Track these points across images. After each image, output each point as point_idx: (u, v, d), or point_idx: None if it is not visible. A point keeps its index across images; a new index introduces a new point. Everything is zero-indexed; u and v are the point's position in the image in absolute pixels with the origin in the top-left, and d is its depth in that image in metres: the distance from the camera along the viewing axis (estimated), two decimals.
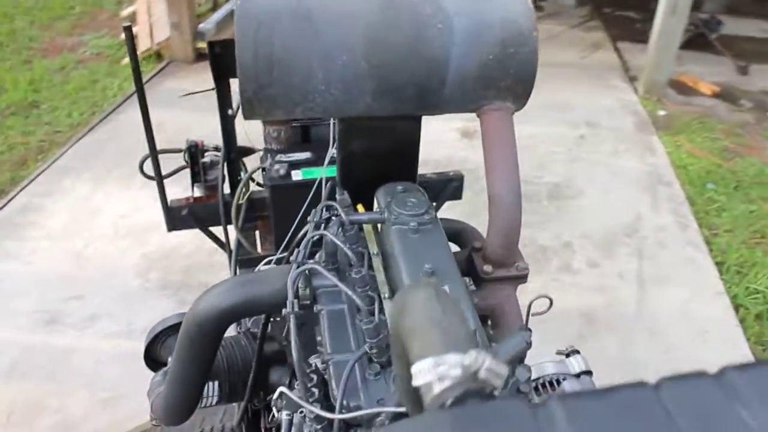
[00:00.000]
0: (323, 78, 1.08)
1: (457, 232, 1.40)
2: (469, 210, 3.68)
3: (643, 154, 4.34)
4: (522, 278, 1.22)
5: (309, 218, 1.23)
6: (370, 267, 1.20)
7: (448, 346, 0.51)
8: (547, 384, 0.98)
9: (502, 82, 1.15)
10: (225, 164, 2.05)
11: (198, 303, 1.22)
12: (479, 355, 0.49)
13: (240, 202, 2.03)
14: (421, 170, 3.77)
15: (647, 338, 2.97)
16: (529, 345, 0.87)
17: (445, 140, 4.39)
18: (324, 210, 1.24)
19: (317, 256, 1.25)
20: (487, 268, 1.21)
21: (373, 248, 1.23)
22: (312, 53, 1.06)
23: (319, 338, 1.15)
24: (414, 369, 0.50)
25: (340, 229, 1.22)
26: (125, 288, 3.13)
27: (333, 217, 1.26)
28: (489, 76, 1.14)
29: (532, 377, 1.00)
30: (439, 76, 1.12)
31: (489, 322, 1.24)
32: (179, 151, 2.14)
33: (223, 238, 2.15)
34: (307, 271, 1.16)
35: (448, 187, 2.31)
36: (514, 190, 1.16)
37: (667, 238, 3.57)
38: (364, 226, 1.28)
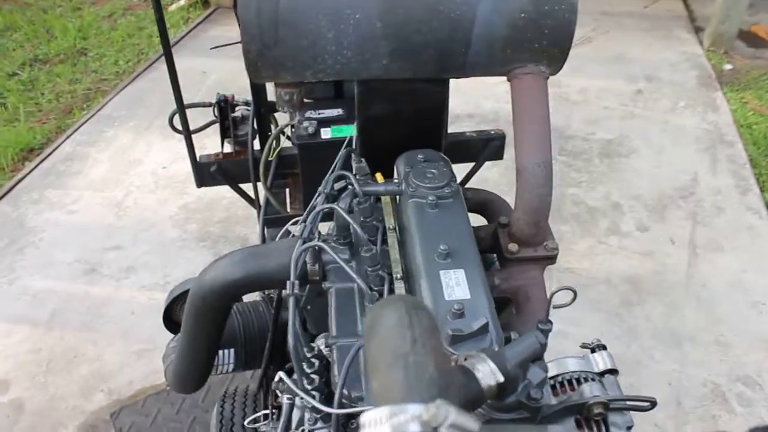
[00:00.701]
0: (334, 38, 0.98)
1: (484, 204, 1.30)
2: (513, 166, 3.56)
3: (705, 111, 4.09)
4: (551, 259, 1.12)
5: (320, 188, 1.15)
6: (386, 242, 1.13)
7: (410, 392, 0.43)
8: (566, 383, 0.89)
9: (535, 44, 1.03)
10: (255, 119, 1.98)
11: (203, 275, 1.17)
12: (442, 407, 0.41)
13: (270, 158, 1.97)
14: (465, 124, 3.69)
15: (695, 308, 2.82)
16: (543, 346, 0.78)
17: (493, 93, 4.21)
18: (336, 180, 1.16)
19: (330, 227, 1.18)
20: (513, 246, 1.11)
21: (390, 222, 1.15)
22: (321, 11, 0.96)
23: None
24: (365, 417, 0.42)
25: (353, 201, 1.14)
26: (163, 239, 3.14)
27: (348, 187, 1.18)
28: (520, 37, 1.02)
29: (554, 373, 0.92)
30: (463, 36, 1.00)
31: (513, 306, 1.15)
32: (209, 105, 2.07)
33: (253, 196, 2.10)
34: (316, 247, 1.09)
35: (489, 146, 2.19)
36: (545, 163, 1.05)
37: (725, 203, 3.37)
38: (382, 197, 1.20)
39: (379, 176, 1.22)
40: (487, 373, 0.72)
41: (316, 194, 1.16)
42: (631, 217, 3.29)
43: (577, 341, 2.77)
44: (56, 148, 3.76)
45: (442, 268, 0.97)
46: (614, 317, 2.80)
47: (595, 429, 0.84)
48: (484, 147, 2.20)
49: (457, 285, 0.95)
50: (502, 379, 0.72)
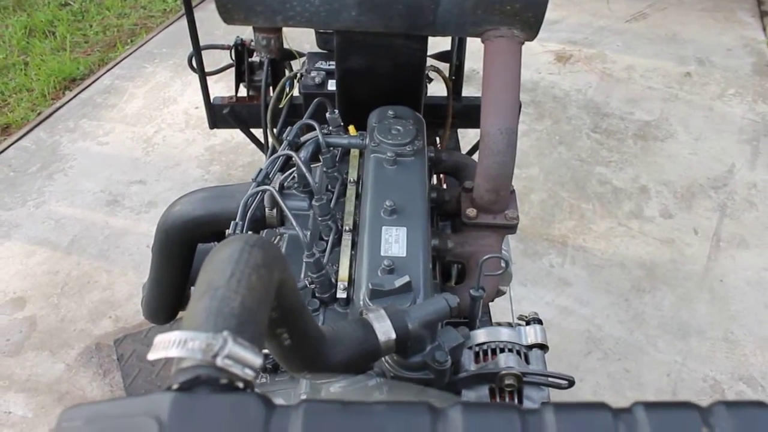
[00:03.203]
0: None
1: (457, 167, 1.28)
2: (546, 138, 3.49)
3: (755, 101, 3.91)
4: (509, 228, 1.10)
5: (284, 135, 1.15)
6: (345, 194, 1.13)
7: (204, 322, 0.44)
8: (489, 351, 0.89)
9: (507, 5, 1.00)
10: (269, 66, 1.99)
11: (169, 209, 1.20)
12: (221, 338, 0.42)
13: (280, 106, 1.98)
14: None
15: (709, 302, 2.75)
16: (451, 309, 0.78)
17: (536, 62, 4.11)
18: (302, 128, 1.16)
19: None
20: (471, 212, 1.10)
21: (353, 175, 1.15)
22: None
23: None
24: (155, 340, 0.43)
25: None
26: (186, 178, 3.20)
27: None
28: None
29: (483, 340, 0.91)
30: None
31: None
32: (226, 47, 2.09)
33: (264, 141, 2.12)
34: (276, 192, 1.10)
35: None
36: (507, 130, 1.03)
37: (758, 198, 3.24)
38: (352, 150, 1.20)
39: (351, 129, 1.22)
40: (382, 329, 0.73)
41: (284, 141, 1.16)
42: (656, 203, 3.20)
43: (581, 320, 2.73)
44: (96, 80, 3.85)
45: (385, 224, 0.97)
46: (622, 301, 2.75)
47: (507, 399, 0.84)
48: None
49: (395, 242, 0.94)
50: (393, 336, 0.72)
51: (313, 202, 1.04)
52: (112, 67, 3.96)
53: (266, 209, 1.12)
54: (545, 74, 4.00)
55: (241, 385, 0.41)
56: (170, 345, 0.42)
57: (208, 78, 1.93)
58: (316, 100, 1.25)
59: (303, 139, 1.18)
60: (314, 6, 1.00)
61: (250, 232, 1.01)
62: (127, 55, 4.07)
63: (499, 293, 1.26)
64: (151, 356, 0.43)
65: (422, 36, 1.15)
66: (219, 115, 2.05)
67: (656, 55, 4.19)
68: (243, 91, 2.11)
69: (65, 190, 3.13)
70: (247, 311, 0.45)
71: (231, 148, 3.38)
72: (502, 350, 0.89)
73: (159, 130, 3.50)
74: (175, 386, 0.40)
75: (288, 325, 0.61)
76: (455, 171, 1.29)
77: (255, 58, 2.11)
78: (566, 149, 3.48)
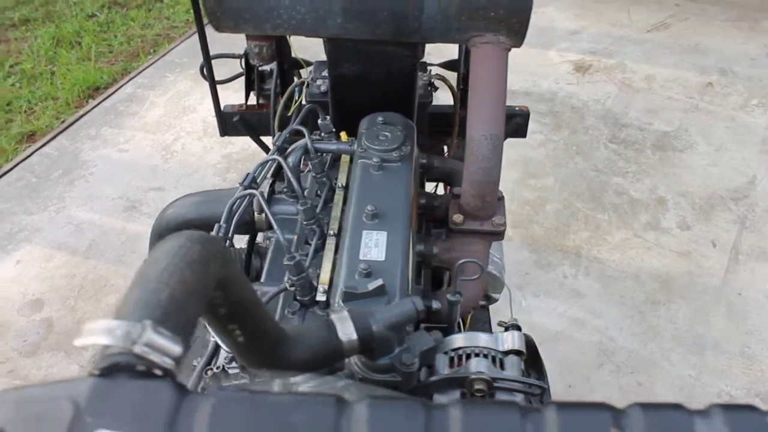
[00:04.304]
0: None
1: (449, 174, 1.29)
2: (562, 148, 3.46)
3: None
4: (495, 235, 1.10)
5: (273, 140, 1.17)
6: (332, 199, 1.14)
7: (129, 311, 0.45)
8: (464, 356, 0.89)
9: (491, 12, 1.01)
10: (278, 75, 2.02)
11: (163, 212, 1.22)
12: (139, 327, 0.43)
13: (289, 114, 2.00)
14: (520, 101, 3.63)
15: (725, 316, 2.70)
16: (419, 312, 0.78)
17: (554, 72, 4.10)
18: (292, 134, 1.18)
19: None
20: (458, 218, 1.11)
21: (342, 180, 1.17)
22: None
23: None
24: (84, 327, 0.44)
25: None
26: (203, 185, 3.24)
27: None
28: (474, 4, 1.00)
29: (460, 345, 0.91)
30: (416, 0, 0.99)
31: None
32: (236, 56, 2.12)
33: None
34: (264, 197, 1.12)
35: (511, 122, 2.15)
36: (493, 136, 1.04)
37: None
38: (343, 156, 1.21)
39: (343, 135, 1.23)
40: (344, 330, 0.74)
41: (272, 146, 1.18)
42: (674, 214, 3.16)
43: (593, 332, 2.70)
44: (118, 89, 3.93)
45: (366, 228, 0.98)
46: (636, 314, 2.71)
47: None
48: (506, 123, 2.16)
49: (375, 246, 0.95)
50: (355, 337, 0.72)
51: (298, 206, 1.05)
52: (134, 77, 4.04)
53: (255, 213, 1.13)
54: (563, 84, 3.98)
55: (159, 372, 0.42)
56: (95, 332, 0.43)
57: (222, 86, 1.96)
58: (307, 106, 1.27)
59: (295, 145, 1.20)
60: (300, 14, 1.02)
61: (218, 233, 1.02)
62: (150, 65, 4.15)
63: (491, 300, 1.26)
64: (78, 342, 0.44)
65: (412, 43, 1.16)
66: (229, 122, 2.08)
67: (677, 65, 4.14)
68: (253, 100, 2.15)
69: (85, 196, 3.20)
70: (174, 303, 0.46)
71: (247, 155, 3.42)
72: (477, 355, 0.89)
73: (178, 137, 3.56)
74: (95, 371, 0.41)
75: (239, 321, 0.62)
76: (448, 178, 1.29)
77: (265, 67, 2.14)
78: (583, 159, 3.45)
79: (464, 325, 1.34)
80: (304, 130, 1.15)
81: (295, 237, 1.10)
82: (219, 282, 0.56)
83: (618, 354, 2.57)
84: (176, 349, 0.43)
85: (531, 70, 4.07)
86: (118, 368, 0.41)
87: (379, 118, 1.17)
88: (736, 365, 2.54)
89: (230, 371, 0.99)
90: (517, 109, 2.15)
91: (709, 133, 3.65)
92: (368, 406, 0.38)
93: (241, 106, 2.12)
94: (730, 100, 3.90)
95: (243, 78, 2.13)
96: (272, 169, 1.13)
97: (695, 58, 4.24)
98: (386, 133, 1.12)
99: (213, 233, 1.02)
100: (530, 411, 0.38)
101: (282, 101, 1.97)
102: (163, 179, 3.28)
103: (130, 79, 4.01)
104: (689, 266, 2.92)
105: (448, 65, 2.06)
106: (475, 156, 1.05)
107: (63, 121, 3.69)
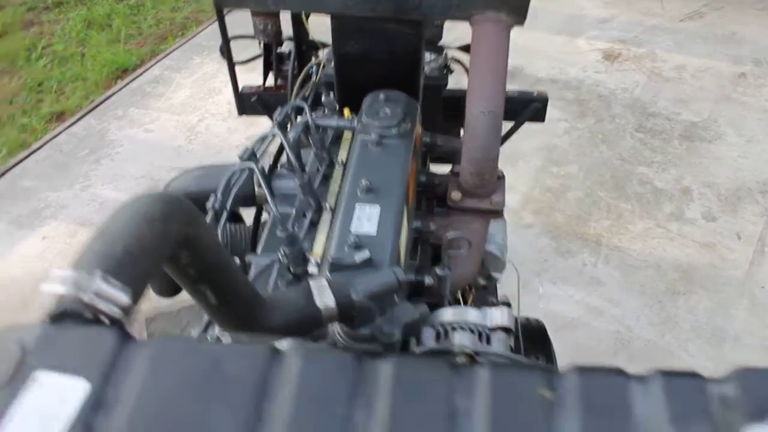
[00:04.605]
0: None
1: (454, 152, 1.28)
2: (587, 136, 3.41)
3: None
4: (493, 213, 1.09)
5: (274, 115, 1.18)
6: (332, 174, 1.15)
7: (84, 262, 0.46)
8: (450, 330, 0.89)
9: None
10: (296, 56, 2.03)
11: (167, 186, 1.24)
12: (88, 276, 0.44)
13: (306, 95, 2.01)
14: (546, 87, 3.61)
15: (748, 309, 2.65)
16: (401, 283, 0.79)
17: (582, 60, 4.03)
18: (293, 109, 1.18)
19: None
20: (456, 195, 1.10)
21: (342, 156, 1.17)
22: None
23: None
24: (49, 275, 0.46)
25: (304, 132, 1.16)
26: None
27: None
28: None
29: (449, 319, 0.91)
30: None
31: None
32: (253, 37, 2.13)
33: None
34: (264, 171, 1.12)
35: (529, 107, 2.13)
36: (491, 113, 1.03)
37: None
38: (345, 132, 1.22)
39: (346, 111, 1.23)
40: (323, 298, 0.74)
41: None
42: (699, 205, 3.10)
43: (611, 320, 2.65)
44: (146, 70, 3.98)
45: (360, 202, 0.98)
46: (655, 303, 2.67)
47: None
48: (524, 107, 2.14)
49: (368, 220, 0.95)
50: (333, 304, 0.73)
51: (295, 180, 1.05)
52: (162, 59, 4.09)
53: (256, 187, 1.14)
54: (591, 72, 3.91)
55: (106, 321, 0.43)
56: (52, 281, 0.45)
57: (247, 68, 1.98)
58: (310, 82, 1.27)
59: (281, 118, 1.20)
60: None
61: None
62: (177, 47, 4.20)
63: (492, 280, 1.25)
64: (42, 290, 0.46)
65: (416, 21, 1.15)
66: (247, 102, 2.10)
67: (710, 54, 4.05)
68: (272, 81, 2.16)
69: (110, 175, 3.25)
70: (128, 256, 0.47)
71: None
72: (463, 330, 0.88)
73: (203, 119, 3.60)
74: (45, 318, 0.42)
75: (210, 283, 0.62)
76: (451, 156, 1.28)
77: (284, 49, 2.15)
78: (608, 148, 3.40)
79: (465, 303, 1.34)
80: (306, 106, 1.16)
81: (294, 211, 1.10)
82: (183, 241, 0.57)
83: (634, 343, 2.54)
84: (124, 299, 0.44)
85: (558, 57, 4.01)
86: (67, 315, 0.42)
87: (381, 96, 1.17)
88: (756, 358, 2.49)
89: (224, 340, 1.00)
90: (535, 94, 2.13)
91: (740, 124, 3.56)
92: (301, 357, 0.38)
93: (259, 87, 2.13)
94: (764, 92, 3.80)
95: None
96: (269, 144, 1.13)
97: (729, 48, 4.14)
98: (386, 110, 1.12)
99: (208, 204, 1.03)
100: (462, 368, 0.38)
101: (298, 82, 1.98)
102: (187, 159, 3.32)
103: (158, 61, 4.06)
104: (712, 258, 2.86)
105: (467, 49, 2.04)
106: (473, 133, 1.04)
107: (92, 102, 3.75)
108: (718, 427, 0.36)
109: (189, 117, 3.61)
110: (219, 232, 1.03)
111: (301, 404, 0.36)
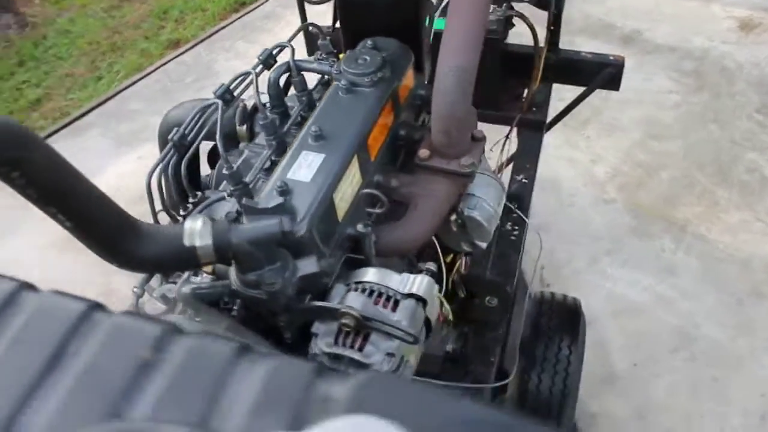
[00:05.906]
0: None
1: None
2: (698, 112, 3.12)
3: None
4: (460, 176, 1.05)
5: (258, 55, 1.17)
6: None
7: None
8: (360, 290, 0.87)
9: None
10: None
11: (165, 115, 1.29)
12: None
13: None
14: (663, 56, 3.43)
15: None
16: (284, 232, 0.78)
17: (712, 29, 3.66)
18: (275, 49, 1.18)
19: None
20: (423, 153, 1.06)
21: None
22: None
23: None
24: None
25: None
26: None
27: None
28: None
29: (369, 279, 0.89)
30: None
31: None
32: None
33: None
34: (221, 105, 1.11)
35: (602, 72, 2.00)
36: (459, 69, 0.97)
37: None
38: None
39: (342, 56, 1.21)
40: (199, 235, 0.74)
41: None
42: None
43: (678, 313, 2.44)
44: (260, 5, 4.08)
45: (306, 149, 0.97)
46: (734, 303, 2.45)
47: (351, 339, 0.82)
48: (597, 72, 2.01)
49: (307, 167, 0.94)
50: (209, 243, 0.73)
51: (260, 121, 1.06)
52: None
53: (236, 125, 1.16)
54: (718, 42, 3.55)
55: None
56: None
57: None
58: (303, 24, 1.25)
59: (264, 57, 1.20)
60: None
61: None
62: None
63: (476, 248, 1.20)
64: None
65: None
66: (315, 43, 2.12)
67: None
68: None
69: None
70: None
71: None
72: (371, 292, 0.86)
73: (303, 55, 3.65)
74: None
75: (57, 205, 0.65)
76: None
77: None
78: (719, 128, 3.10)
79: (453, 268, 1.30)
80: (290, 46, 1.15)
81: (266, 150, 1.11)
82: (13, 163, 0.59)
83: (699, 342, 2.35)
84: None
85: (685, 23, 3.66)
86: None
87: (369, 42, 1.13)
88: None
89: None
90: (611, 58, 1.98)
91: None
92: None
93: (329, 27, 2.13)
94: None
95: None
96: (245, 82, 1.13)
97: None
98: (366, 57, 1.09)
99: (170, 136, 1.06)
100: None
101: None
102: None
103: None
104: None
105: (539, 3, 1.92)
106: (440, 89, 0.99)
107: (205, 32, 3.92)
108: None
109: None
110: (183, 166, 1.05)
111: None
